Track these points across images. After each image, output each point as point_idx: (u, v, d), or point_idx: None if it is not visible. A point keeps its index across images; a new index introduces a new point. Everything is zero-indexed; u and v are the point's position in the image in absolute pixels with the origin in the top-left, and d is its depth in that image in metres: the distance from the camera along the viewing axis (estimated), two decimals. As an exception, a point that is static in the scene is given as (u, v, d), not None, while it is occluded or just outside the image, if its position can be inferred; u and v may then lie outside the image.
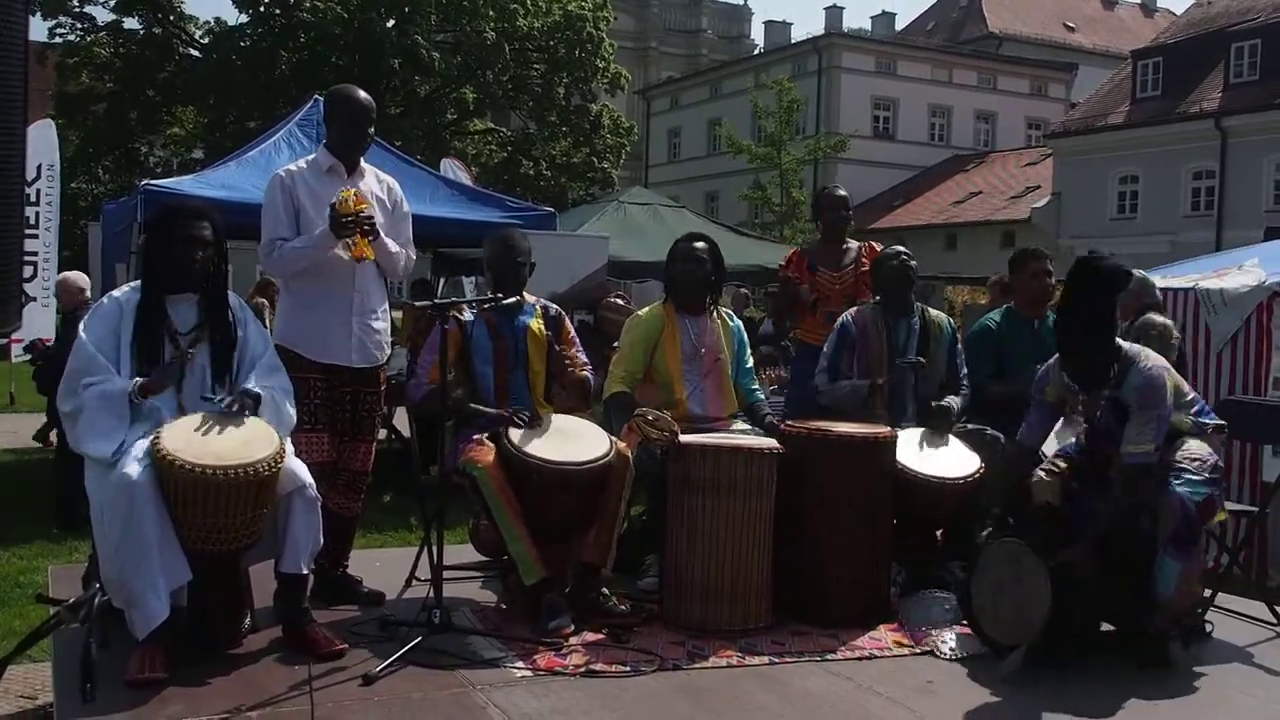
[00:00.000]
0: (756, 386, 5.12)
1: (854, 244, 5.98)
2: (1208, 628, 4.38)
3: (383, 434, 5.38)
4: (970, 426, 5.01)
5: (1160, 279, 6.66)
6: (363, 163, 4.45)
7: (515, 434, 4.20)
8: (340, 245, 4.17)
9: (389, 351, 4.63)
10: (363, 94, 4.42)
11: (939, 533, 4.89)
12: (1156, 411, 4.04)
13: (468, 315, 4.49)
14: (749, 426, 4.83)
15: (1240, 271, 6.05)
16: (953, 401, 5.03)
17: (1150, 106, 29.81)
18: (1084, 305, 4.12)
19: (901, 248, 5.37)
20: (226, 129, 27.04)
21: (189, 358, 3.72)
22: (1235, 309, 5.93)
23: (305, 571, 3.76)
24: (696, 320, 4.95)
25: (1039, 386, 4.46)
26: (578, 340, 4.74)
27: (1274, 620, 4.60)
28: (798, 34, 51.31)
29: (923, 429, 4.91)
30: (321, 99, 5.76)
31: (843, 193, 6.05)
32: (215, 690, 3.40)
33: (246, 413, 3.69)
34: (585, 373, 4.66)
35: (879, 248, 5.71)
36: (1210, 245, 22.35)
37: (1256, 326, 5.82)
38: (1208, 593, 4.57)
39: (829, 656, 4.00)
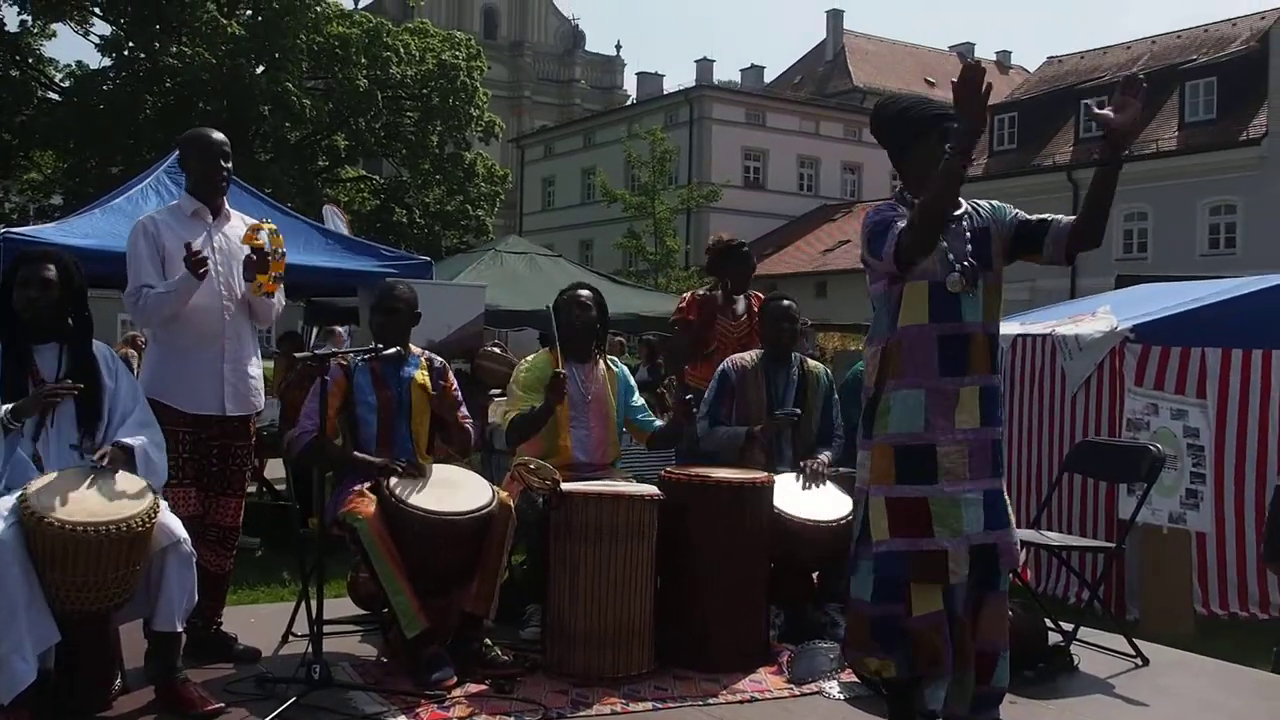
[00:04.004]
0: (651, 417, 5.22)
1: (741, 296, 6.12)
2: (1074, 661, 4.56)
3: (253, 488, 5.26)
4: (843, 470, 5.13)
5: (1019, 325, 6.95)
6: (227, 205, 4.39)
7: (396, 485, 4.16)
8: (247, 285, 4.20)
9: (264, 399, 4.55)
10: (215, 132, 4.38)
11: (815, 575, 4.99)
12: None
13: (355, 361, 4.44)
14: (630, 475, 4.88)
15: (1094, 318, 6.33)
16: (825, 455, 5.15)
17: (1006, 159, 31.13)
18: None
19: (789, 301, 5.47)
20: (88, 175, 26.09)
21: (55, 398, 3.60)
22: (1089, 354, 6.20)
23: (179, 629, 3.66)
24: (583, 367, 5.00)
25: None
26: (460, 395, 4.73)
27: (1133, 652, 4.80)
28: (669, 85, 52.26)
29: (799, 473, 5.02)
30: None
31: (747, 248, 6.19)
32: (83, 756, 3.29)
33: (119, 467, 3.58)
34: (466, 425, 4.66)
35: (763, 296, 5.86)
36: (1066, 293, 23.33)
37: (1110, 371, 6.09)
38: (1070, 627, 4.78)
39: (711, 700, 4.04)
